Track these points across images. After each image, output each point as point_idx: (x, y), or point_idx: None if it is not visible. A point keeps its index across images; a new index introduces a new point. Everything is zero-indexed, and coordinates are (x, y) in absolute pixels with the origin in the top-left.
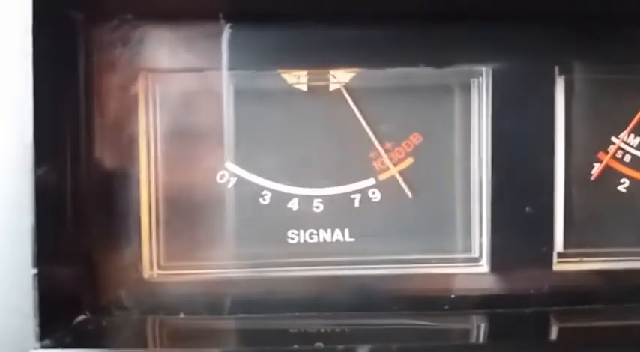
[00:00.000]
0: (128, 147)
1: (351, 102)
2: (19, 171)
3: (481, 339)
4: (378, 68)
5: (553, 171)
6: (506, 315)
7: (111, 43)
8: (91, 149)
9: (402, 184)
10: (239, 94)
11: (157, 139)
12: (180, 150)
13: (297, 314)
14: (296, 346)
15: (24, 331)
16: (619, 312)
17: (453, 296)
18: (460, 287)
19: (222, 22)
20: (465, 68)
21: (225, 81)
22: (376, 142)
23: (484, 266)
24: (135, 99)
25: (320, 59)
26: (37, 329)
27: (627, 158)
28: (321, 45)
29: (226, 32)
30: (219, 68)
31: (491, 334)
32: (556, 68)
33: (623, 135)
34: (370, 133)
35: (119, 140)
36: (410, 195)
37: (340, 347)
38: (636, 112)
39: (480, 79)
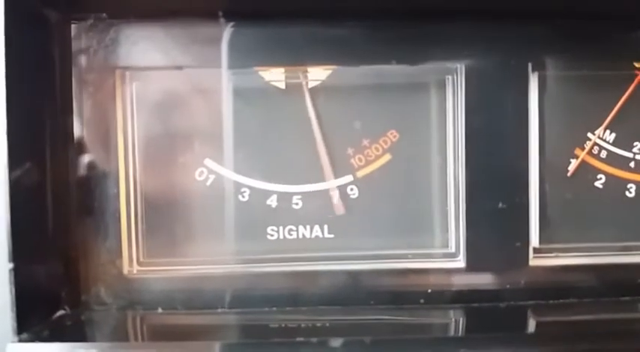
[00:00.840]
0: (107, 144)
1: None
2: None
3: (459, 333)
4: (354, 65)
5: (527, 167)
6: (483, 309)
7: (86, 41)
8: (70, 147)
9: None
10: (218, 92)
11: (134, 137)
12: (158, 147)
13: (274, 309)
14: (276, 339)
15: (2, 325)
16: (594, 307)
17: (429, 290)
18: (437, 282)
19: (201, 20)
20: (439, 65)
21: (204, 79)
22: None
23: (461, 262)
24: (112, 97)
25: (297, 57)
26: (15, 323)
27: (603, 154)
28: (297, 43)
29: (205, 30)
30: (196, 66)
31: (467, 328)
32: (529, 65)
33: (599, 131)
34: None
35: (97, 138)
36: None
37: (314, 340)
38: (612, 109)
39: (455, 76)
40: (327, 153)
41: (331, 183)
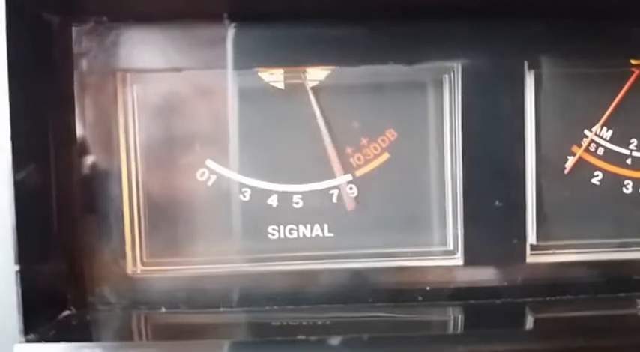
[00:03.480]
0: (109, 146)
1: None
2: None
3: (457, 330)
4: (352, 66)
5: (524, 164)
6: (481, 306)
7: (87, 45)
8: (73, 149)
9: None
10: (217, 93)
11: (136, 138)
12: (160, 148)
13: (275, 307)
14: (278, 338)
15: (9, 326)
16: (591, 303)
17: (428, 288)
18: (435, 279)
19: (202, 22)
20: (436, 65)
21: (203, 80)
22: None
23: (459, 259)
24: (113, 99)
25: (295, 57)
26: (21, 324)
27: (600, 151)
28: (296, 44)
29: (205, 32)
30: (196, 68)
31: (465, 325)
32: (525, 63)
33: (596, 128)
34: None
35: (100, 139)
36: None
37: (312, 338)
38: (608, 106)
39: (452, 75)
40: (335, 152)
41: (331, 183)
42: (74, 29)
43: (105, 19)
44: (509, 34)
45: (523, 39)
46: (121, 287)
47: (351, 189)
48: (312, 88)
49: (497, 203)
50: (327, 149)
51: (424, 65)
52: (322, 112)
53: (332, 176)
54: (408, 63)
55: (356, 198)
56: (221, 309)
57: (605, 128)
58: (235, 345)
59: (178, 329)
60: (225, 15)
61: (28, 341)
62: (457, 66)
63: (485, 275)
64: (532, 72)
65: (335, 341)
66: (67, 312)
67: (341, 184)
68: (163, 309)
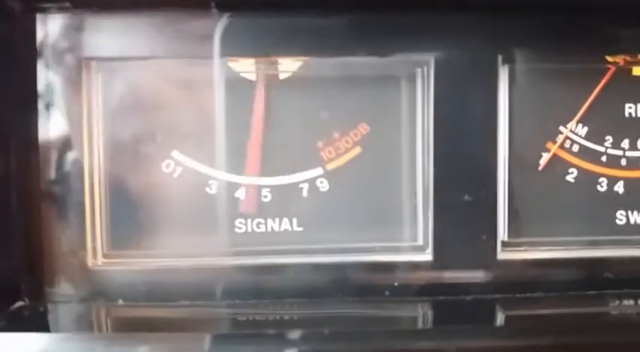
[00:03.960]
0: (72, 136)
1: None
2: None
3: (424, 325)
4: (325, 57)
5: (496, 160)
6: (450, 303)
7: (51, 31)
8: (34, 138)
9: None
10: (185, 83)
11: (99, 128)
12: (124, 139)
13: (238, 301)
14: (235, 332)
15: None
16: (561, 300)
17: (396, 283)
18: (405, 275)
19: (169, 9)
20: (408, 58)
21: (171, 69)
22: None
23: (429, 255)
24: (77, 86)
25: (267, 48)
26: None
27: (575, 148)
28: (268, 34)
29: (173, 20)
30: (163, 56)
31: (433, 320)
32: (499, 57)
33: (572, 125)
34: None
35: (62, 129)
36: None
37: (272, 332)
38: (584, 102)
39: (425, 68)
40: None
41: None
42: (37, 16)
43: (67, 4)
44: (483, 27)
45: (497, 33)
46: (80, 279)
47: (321, 182)
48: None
49: (466, 197)
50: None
51: (397, 57)
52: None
53: (302, 169)
54: (380, 55)
55: (326, 192)
56: (183, 303)
57: (580, 125)
58: (191, 339)
59: (135, 322)
60: (192, 3)
61: None
62: (430, 59)
63: (456, 271)
64: (506, 66)
65: (294, 335)
66: (20, 303)
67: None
68: (121, 302)
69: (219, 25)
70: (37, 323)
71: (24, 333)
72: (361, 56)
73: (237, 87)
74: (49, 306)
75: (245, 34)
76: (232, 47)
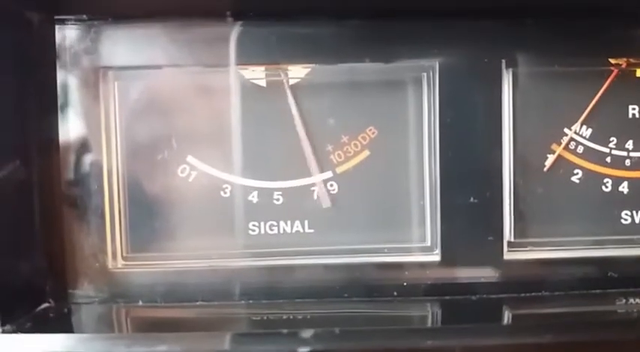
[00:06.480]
0: (91, 142)
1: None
2: None
3: (432, 324)
4: (332, 64)
5: (501, 162)
6: (457, 302)
7: (69, 42)
8: (55, 145)
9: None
10: (199, 90)
11: (117, 134)
12: (141, 145)
13: (250, 302)
14: (250, 331)
15: None
16: (566, 299)
17: (405, 283)
18: (413, 275)
19: (183, 20)
20: (414, 63)
21: (184, 77)
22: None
23: (437, 255)
24: (95, 95)
25: (276, 55)
26: None
27: (580, 149)
28: (276, 41)
29: (187, 30)
30: (178, 65)
31: (442, 319)
32: (503, 61)
33: (576, 126)
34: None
35: (82, 136)
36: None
37: (285, 331)
38: (588, 104)
39: (431, 73)
40: (316, 149)
41: (312, 179)
42: (56, 27)
43: (85, 16)
44: (486, 32)
45: (500, 38)
46: (101, 281)
47: (331, 185)
48: (292, 86)
49: (474, 200)
50: (307, 146)
51: (402, 63)
52: (302, 110)
53: (313, 173)
54: (386, 61)
55: (336, 194)
56: (199, 303)
57: (584, 126)
58: (208, 337)
59: (155, 322)
60: (205, 14)
61: (4, 332)
62: (435, 64)
63: (463, 271)
64: (509, 70)
65: (307, 334)
66: (45, 305)
67: (320, 181)
68: (141, 303)
69: (233, 33)
70: (62, 324)
71: (50, 334)
72: (368, 62)
73: (249, 93)
74: (73, 308)
75: (256, 42)
76: (244, 55)
